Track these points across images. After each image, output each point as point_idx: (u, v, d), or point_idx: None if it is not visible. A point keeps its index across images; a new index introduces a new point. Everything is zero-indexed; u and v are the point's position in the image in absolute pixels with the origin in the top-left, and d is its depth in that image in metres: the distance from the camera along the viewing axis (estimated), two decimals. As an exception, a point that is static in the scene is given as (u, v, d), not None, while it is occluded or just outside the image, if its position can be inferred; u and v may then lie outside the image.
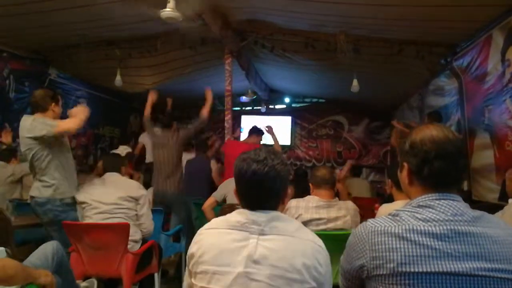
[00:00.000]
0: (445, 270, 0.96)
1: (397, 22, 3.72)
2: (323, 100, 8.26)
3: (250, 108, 8.53)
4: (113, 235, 2.37)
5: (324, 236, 2.42)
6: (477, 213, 1.04)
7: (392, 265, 0.98)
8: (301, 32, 4.34)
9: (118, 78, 5.03)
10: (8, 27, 3.99)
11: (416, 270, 0.97)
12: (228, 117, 4.75)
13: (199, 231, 1.26)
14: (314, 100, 8.38)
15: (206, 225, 1.26)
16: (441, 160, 1.05)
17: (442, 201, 1.04)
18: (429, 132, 1.08)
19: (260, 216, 1.20)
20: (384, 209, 2.43)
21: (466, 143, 4.15)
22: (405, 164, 1.12)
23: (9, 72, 4.70)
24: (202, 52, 4.71)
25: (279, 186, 1.24)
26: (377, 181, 7.30)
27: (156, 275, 2.75)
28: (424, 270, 0.96)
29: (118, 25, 4.18)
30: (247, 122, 7.94)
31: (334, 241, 2.25)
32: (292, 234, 1.18)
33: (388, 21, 3.70)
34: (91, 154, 6.55)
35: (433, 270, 0.96)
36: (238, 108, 8.26)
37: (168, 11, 2.91)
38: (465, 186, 4.13)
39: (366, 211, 4.63)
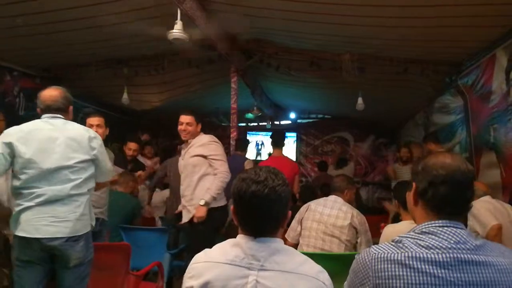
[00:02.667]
0: None
1: (402, 42, 3.76)
2: (329, 116, 8.28)
3: (256, 124, 8.58)
4: (115, 255, 2.37)
5: (328, 256, 2.44)
6: (480, 241, 1.05)
7: None
8: (306, 51, 4.39)
9: (125, 96, 5.10)
10: (19, 46, 4.09)
11: None
12: (233, 134, 4.78)
13: (193, 263, 1.19)
14: (320, 116, 8.41)
15: (201, 257, 1.19)
16: (447, 187, 1.07)
17: (445, 228, 1.05)
18: (443, 159, 1.10)
19: (260, 249, 1.14)
20: (390, 229, 2.43)
21: (472, 160, 4.13)
22: (414, 184, 1.14)
23: (19, 90, 4.80)
24: (209, 70, 4.78)
25: (279, 209, 1.17)
26: (383, 198, 7.26)
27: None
28: None
29: (126, 44, 4.27)
30: (253, 139, 8.00)
31: (338, 262, 2.26)
32: (294, 271, 1.11)
33: (392, 41, 3.75)
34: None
35: None
36: (244, 124, 8.31)
37: (176, 32, 2.97)
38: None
39: (371, 228, 4.61)
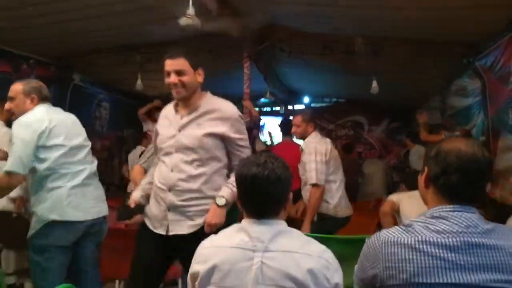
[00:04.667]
0: (457, 281, 0.97)
1: (417, 23, 3.67)
2: (343, 100, 8.20)
3: (269, 109, 8.56)
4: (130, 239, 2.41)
5: (339, 240, 2.46)
6: (490, 225, 1.04)
7: (405, 276, 1.00)
8: (319, 35, 4.33)
9: (139, 82, 5.14)
10: (33, 36, 4.14)
11: (429, 281, 0.98)
12: (247, 120, 4.79)
13: (200, 249, 1.24)
14: (334, 100, 8.33)
15: (207, 243, 1.24)
16: (459, 175, 1.05)
17: (456, 212, 1.05)
18: (458, 145, 1.08)
19: (264, 231, 1.18)
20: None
21: (489, 144, 4.06)
22: (426, 168, 1.13)
23: (35, 78, 4.88)
24: (221, 55, 4.77)
25: (280, 190, 1.23)
26: (398, 181, 7.20)
27: (179, 280, 2.78)
28: (437, 281, 0.97)
29: (137, 31, 4.28)
30: (266, 123, 7.99)
31: (349, 245, 2.27)
32: (297, 250, 1.16)
33: (407, 22, 3.66)
34: (115, 157, 6.71)
35: (445, 281, 0.97)
36: (257, 109, 8.28)
37: (187, 18, 2.96)
38: (489, 187, 4.04)
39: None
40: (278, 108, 8.34)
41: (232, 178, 1.85)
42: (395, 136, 7.96)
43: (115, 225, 2.58)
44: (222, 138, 1.92)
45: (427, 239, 1.01)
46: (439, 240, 1.01)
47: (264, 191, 1.21)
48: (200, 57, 4.91)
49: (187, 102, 1.95)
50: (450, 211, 1.06)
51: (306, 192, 3.12)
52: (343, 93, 7.62)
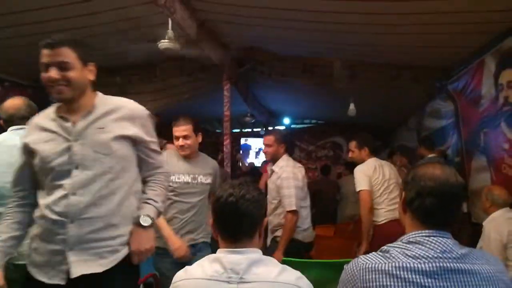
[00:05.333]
0: None
1: (393, 49, 3.80)
2: (322, 122, 8.31)
3: (250, 130, 8.60)
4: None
5: (321, 264, 2.45)
6: (465, 250, 1.06)
7: None
8: (298, 58, 4.42)
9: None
10: (8, 57, 4.09)
11: None
12: (227, 142, 4.79)
13: (174, 281, 1.23)
14: (313, 121, 8.44)
15: (181, 275, 1.23)
16: (433, 198, 1.08)
17: (432, 238, 1.07)
18: (432, 170, 1.11)
19: (239, 261, 1.17)
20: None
21: (463, 164, 4.17)
22: (403, 193, 1.16)
23: (11, 100, 4.77)
24: (201, 78, 4.80)
25: (255, 211, 1.23)
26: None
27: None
28: None
29: (116, 54, 4.27)
30: (248, 143, 8.01)
31: (331, 270, 2.26)
32: (273, 280, 1.15)
33: (384, 47, 3.79)
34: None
35: None
36: (238, 130, 8.32)
37: (166, 42, 2.98)
38: (464, 208, 4.13)
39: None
40: (258, 129, 8.39)
41: (150, 193, 1.59)
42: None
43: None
44: (134, 142, 1.56)
45: (404, 265, 1.02)
46: (415, 265, 1.02)
47: (239, 212, 1.21)
48: (181, 79, 4.97)
49: (74, 104, 1.50)
50: (425, 236, 1.07)
51: (276, 218, 2.98)
52: (323, 114, 7.74)
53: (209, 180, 2.58)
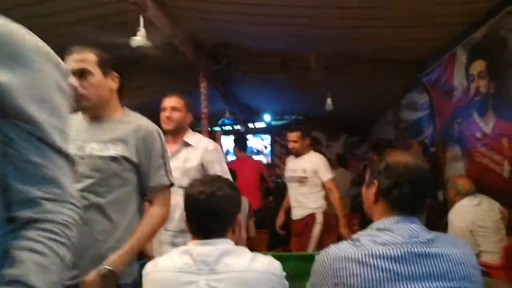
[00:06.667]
0: None
1: (368, 43, 3.84)
2: (301, 117, 8.34)
3: (230, 128, 8.55)
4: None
5: (295, 256, 2.45)
6: (432, 234, 1.08)
7: None
8: (275, 54, 4.42)
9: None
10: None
11: None
12: (205, 140, 4.75)
13: (144, 274, 1.21)
14: (293, 117, 8.46)
15: (150, 267, 1.21)
16: (410, 186, 1.10)
17: (400, 224, 1.08)
18: (405, 158, 1.14)
19: (209, 252, 1.15)
20: None
21: (438, 155, 4.26)
22: (376, 182, 1.16)
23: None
24: (177, 76, 4.74)
25: (226, 207, 1.21)
26: (356, 195, 7.39)
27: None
28: None
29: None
30: (226, 143, 7.97)
31: (307, 262, 2.27)
32: (244, 269, 1.14)
33: (359, 41, 3.83)
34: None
35: None
36: (218, 129, 8.27)
37: (138, 39, 2.93)
38: (440, 196, 4.22)
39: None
40: (239, 127, 8.35)
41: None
42: (354, 150, 8.16)
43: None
44: None
45: (373, 252, 1.03)
46: (384, 252, 1.03)
47: (209, 209, 1.19)
48: (155, 77, 4.89)
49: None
50: (394, 222, 1.09)
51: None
52: (302, 110, 7.77)
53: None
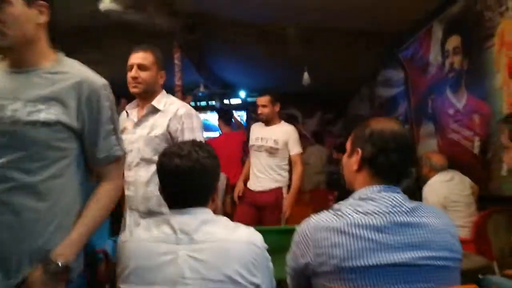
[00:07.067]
0: (386, 262, 0.96)
1: (345, 14, 3.78)
2: (277, 94, 8.27)
3: (205, 103, 8.39)
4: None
5: (273, 231, 2.42)
6: (414, 204, 1.06)
7: (335, 261, 0.97)
8: (252, 25, 4.30)
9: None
10: None
11: (359, 264, 0.96)
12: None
13: (119, 243, 1.14)
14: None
15: (126, 236, 1.14)
16: (397, 154, 1.07)
17: (383, 193, 1.05)
18: (390, 125, 1.10)
19: (188, 221, 1.10)
20: None
21: (413, 131, 4.31)
22: (359, 151, 1.11)
23: None
24: (148, 46, 4.55)
25: (205, 182, 1.15)
26: (332, 172, 7.48)
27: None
28: (367, 263, 0.96)
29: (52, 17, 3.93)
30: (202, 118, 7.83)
31: (283, 236, 2.24)
32: (226, 238, 1.09)
33: (336, 12, 3.76)
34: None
35: (375, 263, 0.96)
36: (193, 104, 8.10)
37: (108, 2, 2.75)
38: (413, 172, 4.31)
39: (322, 202, 4.73)
40: (214, 103, 8.20)
41: None
42: (329, 127, 8.21)
43: None
44: None
45: (356, 221, 1.00)
46: (367, 221, 1.00)
47: (188, 184, 1.12)
48: (125, 47, 4.67)
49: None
50: (377, 191, 1.06)
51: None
52: (278, 86, 7.69)
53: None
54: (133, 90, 1.95)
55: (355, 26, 4.10)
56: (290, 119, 8.16)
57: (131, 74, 1.94)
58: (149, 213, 1.86)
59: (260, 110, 3.31)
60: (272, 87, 7.80)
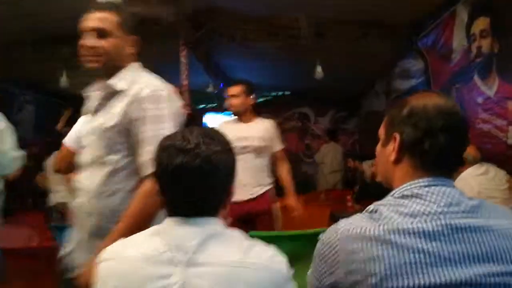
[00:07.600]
0: (443, 280, 0.71)
1: (361, 2, 3.57)
2: (288, 93, 8.09)
3: (215, 105, 8.22)
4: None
5: (291, 237, 2.17)
6: (475, 201, 0.81)
7: (374, 281, 0.73)
8: (262, 18, 4.11)
9: (63, 78, 4.64)
10: None
11: (406, 284, 0.72)
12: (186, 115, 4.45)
13: (100, 259, 0.87)
14: (280, 93, 8.20)
15: (109, 252, 0.87)
16: (448, 134, 0.81)
17: (433, 187, 0.80)
18: (434, 99, 0.84)
19: (189, 235, 0.82)
20: None
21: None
22: (397, 136, 0.86)
23: None
24: (155, 43, 4.38)
25: (218, 184, 0.86)
26: (350, 168, 7.26)
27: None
28: (417, 283, 0.71)
29: (64, 20, 3.82)
30: (211, 121, 7.66)
31: (300, 242, 1.98)
32: (237, 263, 0.81)
33: (351, 2, 3.55)
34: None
35: (427, 282, 0.71)
36: (203, 105, 7.96)
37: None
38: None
39: (338, 203, 4.47)
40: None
41: None
42: (342, 125, 7.99)
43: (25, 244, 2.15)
44: None
45: (400, 226, 0.76)
46: (415, 226, 0.75)
47: (193, 188, 0.84)
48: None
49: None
50: (423, 186, 0.81)
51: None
52: (289, 84, 7.52)
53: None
54: (90, 65, 1.36)
55: (369, 17, 3.90)
56: (302, 118, 8.03)
57: (85, 42, 1.34)
58: (97, 233, 1.32)
59: (230, 102, 2.77)
60: (283, 86, 7.67)
